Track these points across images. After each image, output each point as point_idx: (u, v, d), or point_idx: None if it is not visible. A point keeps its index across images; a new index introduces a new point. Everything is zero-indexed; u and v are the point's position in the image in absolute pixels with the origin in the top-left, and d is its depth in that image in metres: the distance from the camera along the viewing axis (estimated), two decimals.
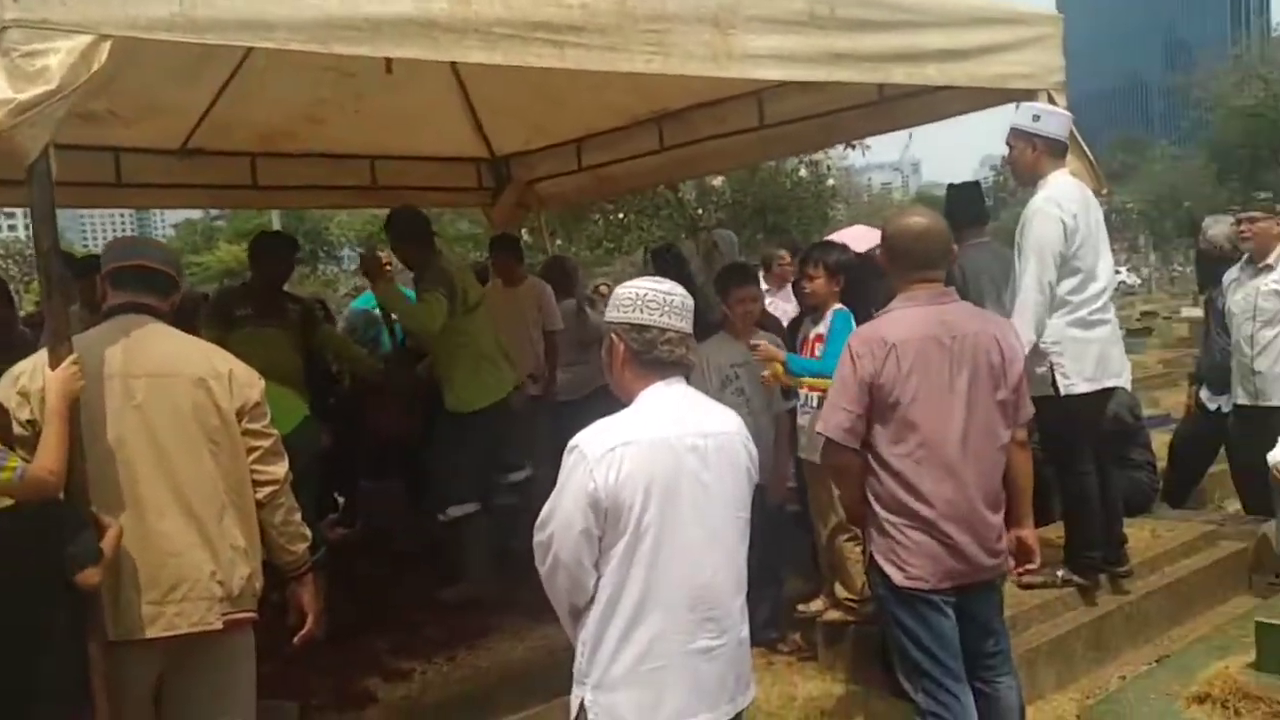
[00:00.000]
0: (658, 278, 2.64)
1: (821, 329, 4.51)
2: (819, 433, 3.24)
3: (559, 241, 16.85)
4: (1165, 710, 3.80)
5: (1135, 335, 17.24)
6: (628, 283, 2.62)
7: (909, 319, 3.18)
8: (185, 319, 5.55)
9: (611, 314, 2.56)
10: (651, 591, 2.40)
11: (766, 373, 4.43)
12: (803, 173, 20.41)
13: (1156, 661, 4.47)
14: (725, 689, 2.49)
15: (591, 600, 2.43)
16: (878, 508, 3.19)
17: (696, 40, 3.64)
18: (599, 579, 2.42)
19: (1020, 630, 4.30)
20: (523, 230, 9.44)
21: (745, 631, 2.56)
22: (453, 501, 5.32)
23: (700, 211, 18.95)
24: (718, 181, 19.57)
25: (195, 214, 50.88)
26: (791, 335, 5.03)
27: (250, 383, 3.03)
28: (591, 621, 2.44)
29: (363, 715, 3.99)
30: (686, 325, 2.52)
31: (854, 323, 4.36)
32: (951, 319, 3.19)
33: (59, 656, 2.64)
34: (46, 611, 2.64)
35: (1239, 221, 5.87)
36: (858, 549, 4.37)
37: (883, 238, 3.45)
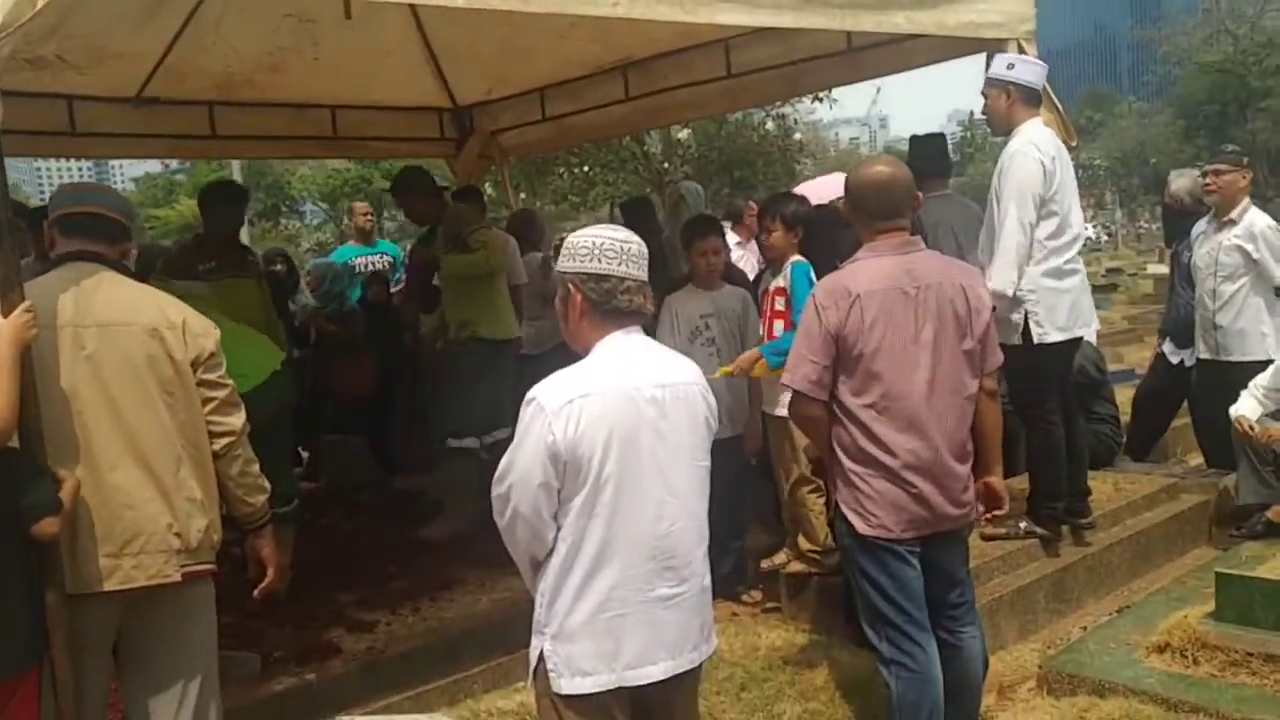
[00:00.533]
0: (613, 225, 2.59)
1: (781, 281, 4.47)
2: (786, 385, 3.20)
3: (523, 195, 16.72)
4: (1125, 660, 3.85)
5: (1101, 291, 17.33)
6: (581, 231, 2.56)
7: (873, 269, 3.15)
8: (143, 274, 5.51)
9: (566, 264, 2.51)
10: (611, 542, 2.39)
11: (743, 372, 4.38)
12: (769, 126, 20.31)
13: (1118, 612, 4.51)
14: (687, 637, 2.48)
15: (551, 552, 2.43)
16: (843, 458, 3.18)
17: None
18: (558, 530, 2.41)
19: (983, 581, 4.32)
20: (487, 184, 9.34)
21: (707, 580, 2.55)
22: (455, 433, 5.33)
23: (666, 165, 18.83)
24: (683, 135, 19.46)
25: (155, 167, 50.10)
26: (758, 287, 4.98)
27: (204, 332, 2.97)
28: (550, 572, 2.43)
29: (326, 666, 3.96)
30: (643, 273, 2.48)
31: (813, 274, 4.33)
32: (916, 268, 3.15)
33: (16, 607, 2.61)
34: (3, 561, 2.60)
35: (1205, 174, 5.88)
36: (820, 501, 4.39)
37: (846, 188, 3.41)
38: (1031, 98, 4.50)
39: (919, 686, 3.15)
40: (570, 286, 2.50)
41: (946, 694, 3.22)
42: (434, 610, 4.51)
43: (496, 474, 2.44)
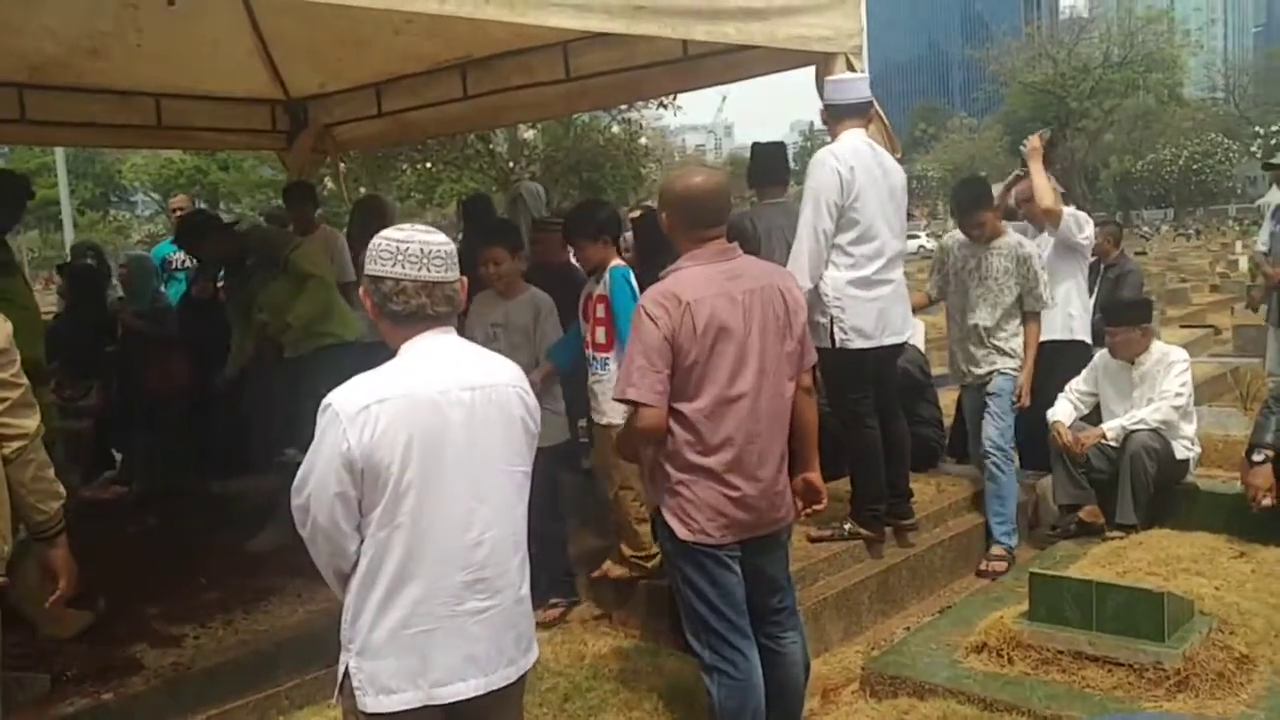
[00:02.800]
0: (406, 225, 2.46)
1: (602, 289, 4.45)
2: (632, 400, 3.10)
3: (362, 189, 16.31)
4: (945, 660, 3.95)
5: None
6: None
7: (699, 277, 3.14)
8: None
9: (365, 265, 2.42)
10: (414, 553, 2.29)
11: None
12: (615, 130, 20.43)
13: (939, 612, 4.66)
14: (502, 652, 2.40)
15: (355, 564, 2.32)
16: (665, 464, 3.16)
17: None
18: (361, 542, 2.31)
19: (809, 583, 4.41)
20: (326, 179, 9.08)
21: (524, 591, 2.48)
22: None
23: (512, 165, 18.68)
24: (529, 135, 19.35)
25: None
26: None
27: None
28: (354, 586, 2.33)
29: (125, 684, 3.73)
30: (430, 273, 2.36)
31: (632, 278, 4.35)
32: (739, 273, 3.18)
33: None
34: None
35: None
36: (643, 507, 4.36)
37: (661, 199, 3.37)
38: (842, 111, 4.64)
39: (740, 693, 3.17)
40: (363, 289, 2.43)
41: (768, 699, 3.25)
42: (247, 622, 4.29)
43: (295, 484, 2.32)
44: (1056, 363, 5.59)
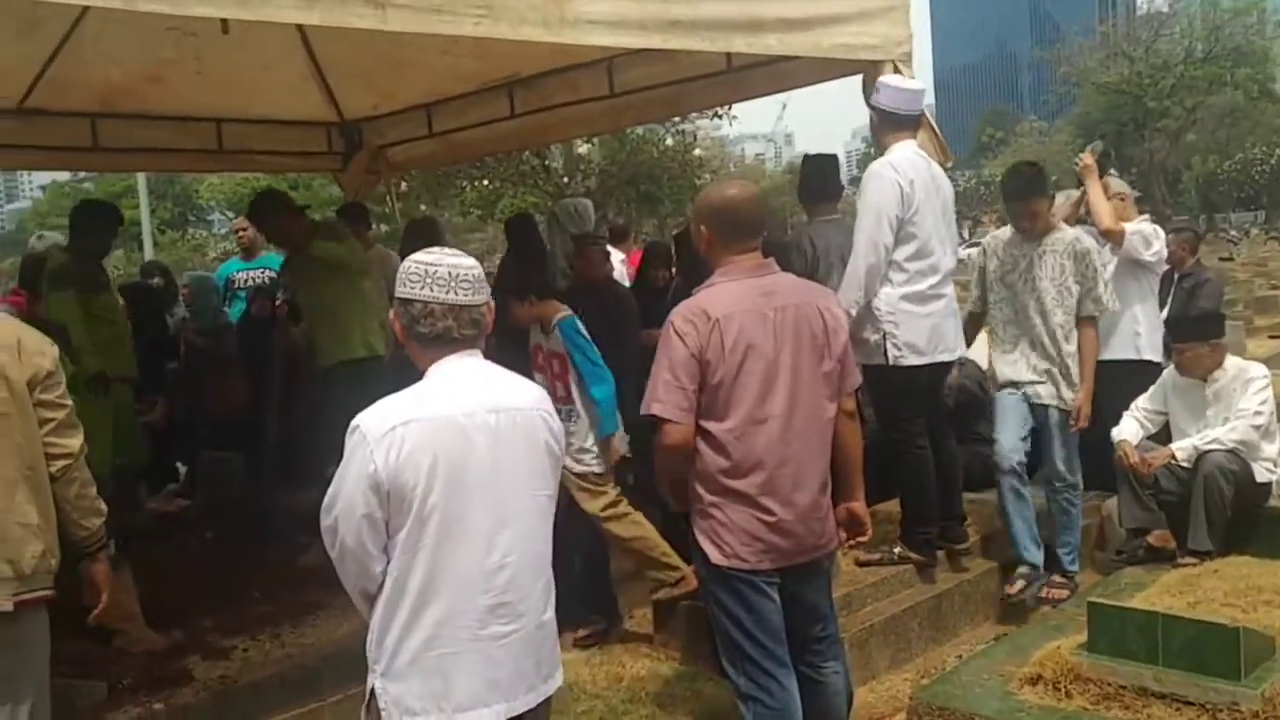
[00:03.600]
0: (438, 249, 2.48)
1: (554, 346, 4.47)
2: (657, 415, 3.07)
3: (423, 206, 16.53)
4: (998, 690, 3.80)
5: None
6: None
7: (729, 293, 3.09)
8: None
9: (395, 288, 2.44)
10: (437, 576, 2.30)
11: None
12: (669, 141, 20.40)
13: (993, 640, 4.50)
14: (524, 677, 2.40)
15: (381, 586, 2.34)
16: (698, 486, 3.10)
17: (527, 3, 3.53)
18: (387, 564, 2.32)
19: (855, 609, 4.31)
20: (387, 199, 9.21)
21: (547, 615, 2.47)
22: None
23: (567, 180, 18.77)
24: (584, 149, 19.43)
25: (62, 175, 48.69)
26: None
27: (41, 351, 2.90)
28: (379, 608, 2.35)
29: (175, 695, 3.85)
30: (458, 296, 2.37)
31: (579, 325, 4.40)
32: (774, 290, 3.11)
33: None
34: None
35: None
36: (638, 538, 4.41)
37: (696, 213, 3.34)
38: (892, 121, 4.52)
39: None
40: (392, 311, 2.44)
41: None
42: (294, 636, 4.41)
43: (324, 504, 2.34)
44: (1123, 384, 5.35)
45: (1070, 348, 4.80)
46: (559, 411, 4.28)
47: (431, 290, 2.36)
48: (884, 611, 4.39)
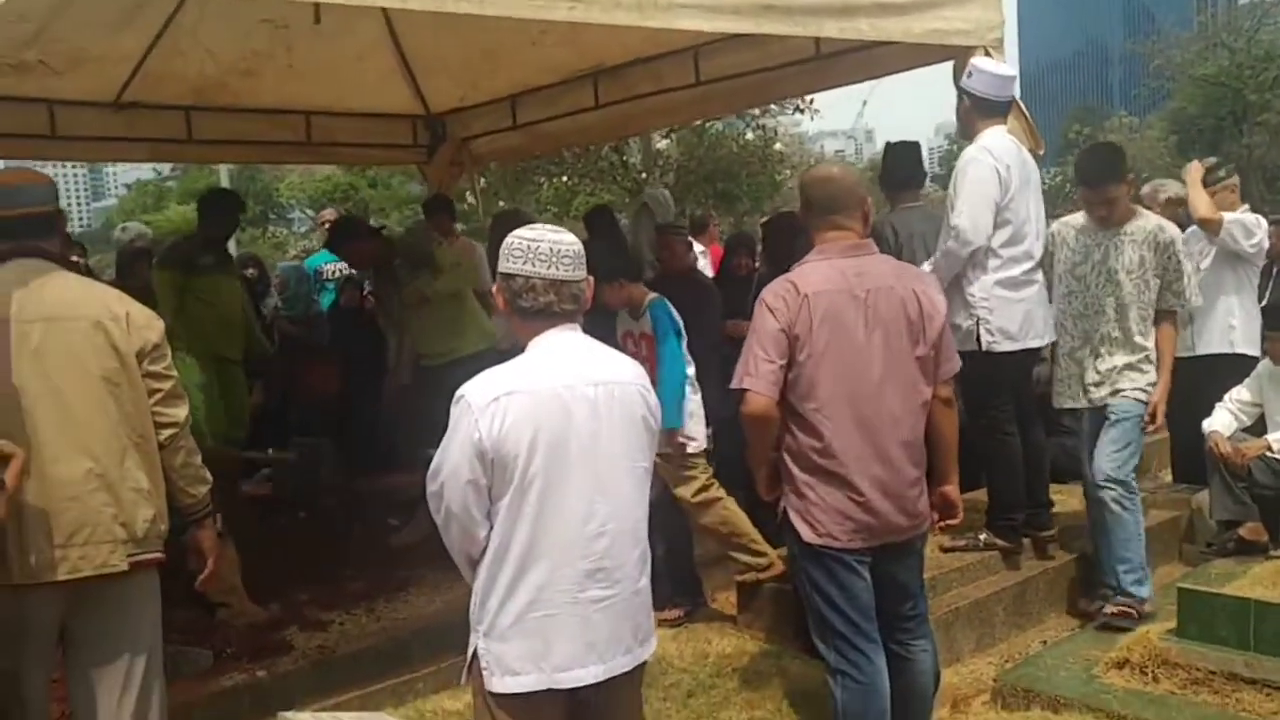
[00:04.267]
0: (540, 225, 2.57)
1: (645, 327, 4.53)
2: (744, 388, 3.11)
3: (501, 203, 16.72)
4: (1083, 675, 3.80)
5: None
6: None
7: (821, 271, 3.12)
8: (134, 264, 5.60)
9: (499, 263, 2.51)
10: (538, 541, 2.37)
11: None
12: (749, 136, 20.29)
13: (1078, 627, 4.48)
14: (620, 640, 2.46)
15: (484, 550, 2.42)
16: (790, 464, 3.14)
17: None
18: (490, 529, 2.40)
19: (940, 593, 4.31)
20: (466, 194, 9.34)
21: (643, 583, 2.53)
22: (433, 445, 5.31)
23: (645, 175, 18.80)
24: (663, 144, 19.44)
25: (147, 173, 50.15)
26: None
27: (148, 324, 3.01)
28: (483, 571, 2.43)
29: (277, 663, 4.00)
30: (559, 271, 2.44)
31: (670, 308, 4.43)
32: (866, 271, 3.12)
33: None
34: None
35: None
36: (725, 521, 4.48)
37: (799, 190, 3.40)
38: (985, 107, 4.49)
39: (864, 698, 3.13)
40: (495, 286, 2.52)
41: (895, 706, 3.19)
42: (388, 611, 4.56)
43: (430, 471, 2.44)
44: (1216, 379, 5.27)
45: (1146, 343, 4.42)
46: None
47: (533, 265, 2.43)
48: (969, 596, 4.39)
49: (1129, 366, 4.41)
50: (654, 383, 4.36)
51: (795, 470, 3.13)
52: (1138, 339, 4.41)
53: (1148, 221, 4.48)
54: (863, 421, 3.06)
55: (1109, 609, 4.32)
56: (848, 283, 3.08)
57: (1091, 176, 4.55)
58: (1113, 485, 4.35)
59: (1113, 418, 4.39)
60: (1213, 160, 5.88)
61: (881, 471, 3.08)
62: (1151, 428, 4.47)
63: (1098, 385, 4.45)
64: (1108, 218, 4.48)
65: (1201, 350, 5.58)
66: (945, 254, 4.43)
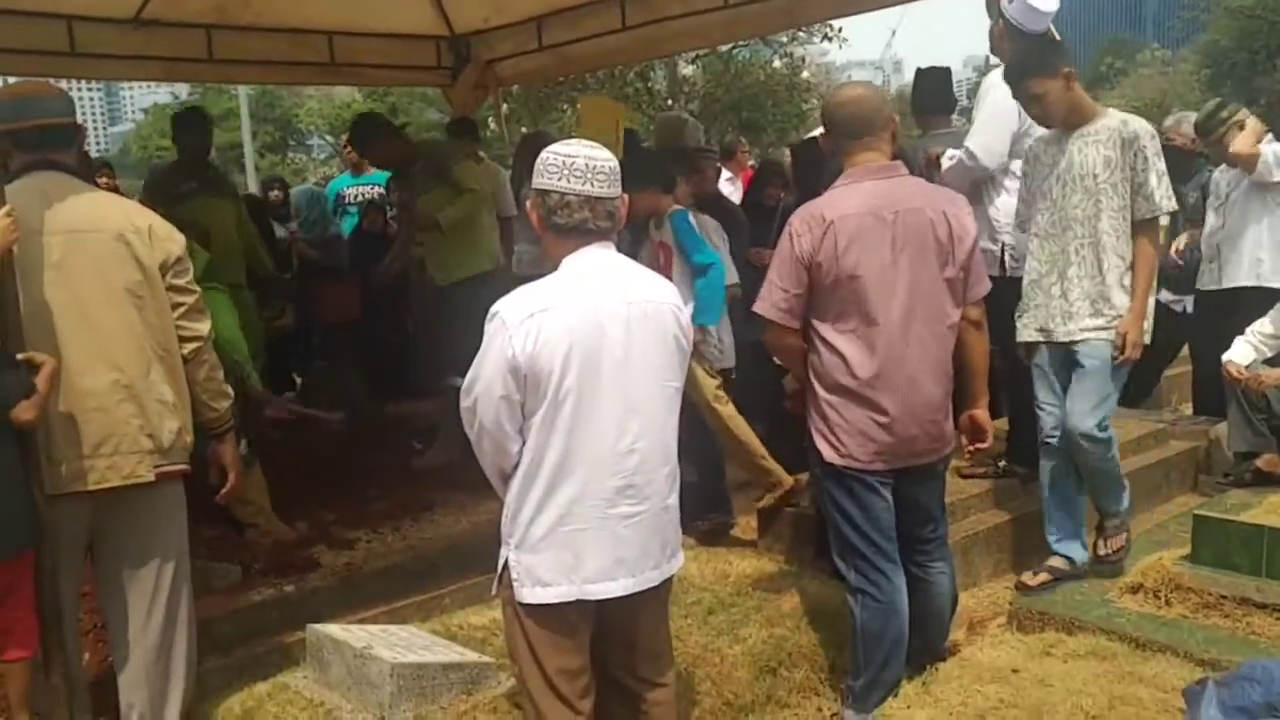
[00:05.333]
0: (575, 141, 2.55)
1: (662, 236, 4.58)
2: (757, 311, 3.18)
3: (523, 129, 16.57)
4: (1097, 599, 3.86)
5: None
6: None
7: (849, 195, 3.11)
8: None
9: (533, 179, 2.51)
10: (570, 456, 2.41)
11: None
12: (776, 64, 19.98)
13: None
14: (649, 555, 2.51)
15: (517, 465, 2.45)
16: (816, 386, 3.17)
17: None
18: (523, 444, 2.43)
19: (959, 517, 4.35)
20: (489, 120, 9.26)
21: (671, 500, 2.57)
22: (456, 372, 5.36)
23: (671, 103, 18.58)
24: (689, 71, 19.17)
25: (164, 97, 49.78)
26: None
27: (170, 237, 3.02)
28: (515, 485, 2.47)
29: (304, 579, 4.07)
30: (593, 188, 2.44)
31: (691, 218, 4.45)
32: (895, 194, 3.11)
33: (13, 494, 2.70)
34: None
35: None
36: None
37: (822, 115, 3.36)
38: (1020, 36, 4.35)
39: (883, 616, 3.19)
40: (528, 202, 2.51)
41: (913, 626, 3.26)
42: (414, 530, 4.61)
43: (463, 386, 2.47)
44: (1240, 311, 5.22)
45: (1121, 262, 3.79)
46: None
47: (569, 181, 2.42)
48: (987, 521, 4.43)
49: (1100, 296, 3.80)
50: None
51: (820, 391, 3.16)
52: (1111, 256, 3.78)
53: (1112, 119, 3.86)
54: (889, 344, 3.07)
55: (1032, 575, 3.99)
56: (875, 205, 3.07)
57: (1011, 73, 4.05)
58: (1089, 441, 3.83)
59: (1082, 365, 3.84)
60: (1213, 104, 5.75)
61: (906, 393, 3.09)
62: (1123, 359, 3.80)
63: (1065, 319, 3.86)
64: (1046, 116, 3.96)
65: (1227, 283, 5.55)
66: (951, 169, 4.41)
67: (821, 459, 3.18)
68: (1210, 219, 5.74)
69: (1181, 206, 6.13)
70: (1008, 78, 4.11)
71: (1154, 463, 5.26)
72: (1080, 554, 4.04)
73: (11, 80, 5.10)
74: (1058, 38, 4.61)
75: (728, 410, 4.58)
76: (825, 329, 3.11)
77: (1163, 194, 3.76)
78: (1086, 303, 3.82)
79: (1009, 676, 3.33)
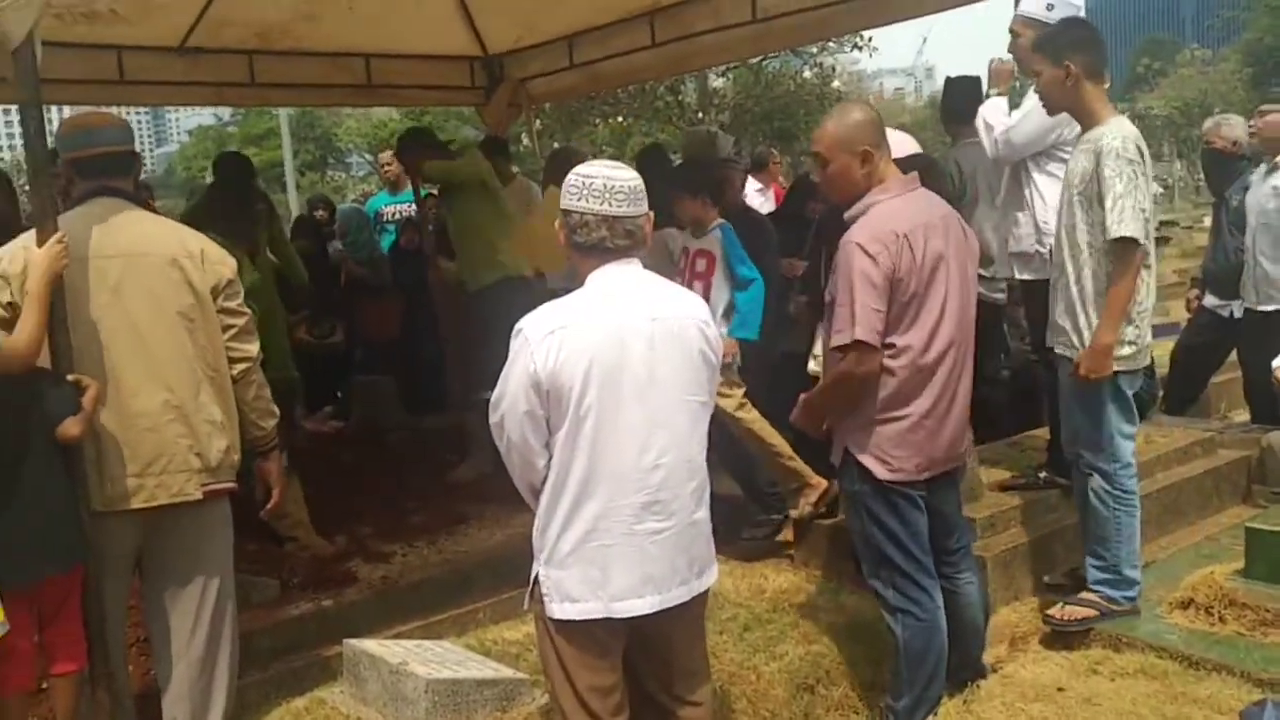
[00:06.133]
0: (599, 162, 2.58)
1: (705, 244, 4.61)
2: (857, 339, 2.97)
3: (556, 144, 16.69)
4: (1146, 614, 3.76)
5: None
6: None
7: (903, 208, 3.07)
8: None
9: (560, 200, 2.54)
10: (594, 472, 2.42)
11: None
12: (807, 74, 19.96)
13: (1143, 566, 4.39)
14: (676, 571, 2.51)
15: (544, 479, 2.48)
16: (869, 404, 3.08)
17: None
18: (550, 459, 2.45)
19: (999, 530, 4.29)
20: (523, 136, 9.33)
21: (699, 515, 2.56)
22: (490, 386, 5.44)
23: (701, 115, 18.60)
24: (719, 83, 19.19)
25: (208, 119, 50.75)
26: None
27: (222, 260, 3.11)
28: (543, 500, 2.50)
29: (341, 594, 4.12)
30: (612, 207, 2.46)
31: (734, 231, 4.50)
32: (930, 201, 3.14)
33: (63, 509, 2.80)
34: (45, 468, 2.78)
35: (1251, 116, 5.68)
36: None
37: (833, 141, 3.14)
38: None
39: (926, 634, 3.16)
40: (556, 222, 2.54)
41: (949, 641, 3.21)
42: (449, 544, 4.65)
43: (491, 402, 2.50)
44: None
45: (1091, 279, 3.60)
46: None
47: (588, 201, 2.45)
48: (1028, 534, 4.35)
49: (1067, 311, 3.67)
50: (706, 299, 4.45)
51: (875, 409, 3.07)
52: (1085, 270, 3.60)
53: (1102, 129, 3.62)
54: (943, 354, 3.06)
55: (1055, 611, 3.78)
56: (927, 215, 3.08)
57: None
58: (1091, 471, 3.70)
59: (1061, 381, 3.75)
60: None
61: (953, 399, 3.11)
62: (1079, 372, 3.58)
63: (1051, 331, 3.78)
64: (1043, 100, 3.87)
65: (1269, 305, 5.46)
66: (989, 139, 4.41)
67: (870, 477, 3.11)
68: (1254, 231, 5.65)
69: (1225, 210, 6.07)
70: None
71: (1202, 472, 5.12)
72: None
73: (68, 110, 5.23)
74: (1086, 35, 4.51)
75: (751, 415, 4.57)
76: (897, 341, 3.03)
77: (1115, 218, 3.46)
78: (1066, 317, 3.68)
79: (1054, 695, 3.28)
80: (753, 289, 4.56)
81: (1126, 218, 3.44)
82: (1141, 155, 3.57)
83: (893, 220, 3.02)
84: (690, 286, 4.49)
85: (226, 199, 5.77)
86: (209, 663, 3.12)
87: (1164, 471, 5.04)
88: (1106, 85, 3.77)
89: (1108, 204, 3.48)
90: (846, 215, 3.16)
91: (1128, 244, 3.46)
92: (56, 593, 2.84)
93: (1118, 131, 3.58)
